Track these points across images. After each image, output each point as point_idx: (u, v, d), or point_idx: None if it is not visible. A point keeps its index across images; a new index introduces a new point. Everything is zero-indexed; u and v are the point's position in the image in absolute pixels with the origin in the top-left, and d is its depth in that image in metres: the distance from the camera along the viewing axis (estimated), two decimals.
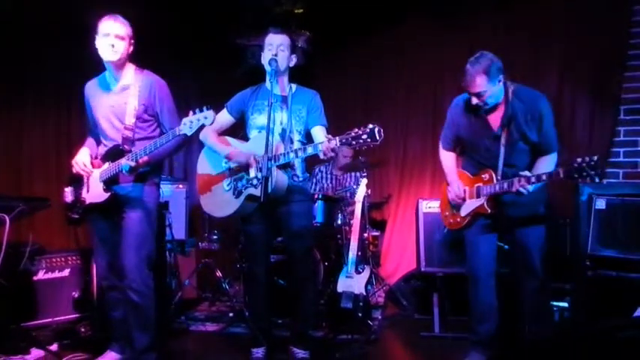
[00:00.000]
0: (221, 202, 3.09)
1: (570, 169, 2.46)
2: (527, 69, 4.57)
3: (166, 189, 4.68)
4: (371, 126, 2.47)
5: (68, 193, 3.05)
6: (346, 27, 5.51)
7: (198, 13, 5.16)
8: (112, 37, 2.84)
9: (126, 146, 2.88)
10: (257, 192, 2.88)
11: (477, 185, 2.92)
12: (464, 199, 2.97)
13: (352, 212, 4.18)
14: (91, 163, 2.98)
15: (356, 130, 2.51)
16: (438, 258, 3.79)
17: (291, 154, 2.79)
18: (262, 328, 3.16)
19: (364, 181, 4.21)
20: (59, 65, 4.37)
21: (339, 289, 3.85)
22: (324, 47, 5.52)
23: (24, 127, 4.41)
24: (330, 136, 2.63)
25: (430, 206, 3.84)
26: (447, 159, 3.14)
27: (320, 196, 4.49)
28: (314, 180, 5.33)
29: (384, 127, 5.71)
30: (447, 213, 3.10)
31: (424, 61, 5.29)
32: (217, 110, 3.26)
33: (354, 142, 2.50)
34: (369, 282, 3.99)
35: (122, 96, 2.94)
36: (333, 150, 2.57)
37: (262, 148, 2.79)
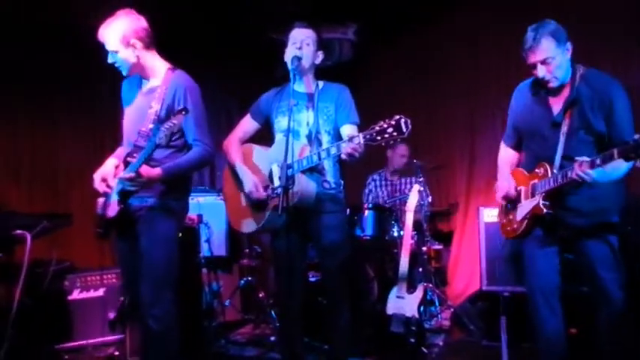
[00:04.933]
0: (247, 217, 3.10)
1: (626, 148, 2.23)
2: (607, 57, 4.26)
3: (205, 201, 4.78)
4: (397, 117, 2.43)
5: (99, 205, 3.05)
6: (403, 14, 5.42)
7: (232, 9, 5.28)
8: (110, 55, 2.88)
9: (135, 155, 2.85)
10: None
11: (532, 183, 2.74)
12: (516, 200, 2.80)
13: None
14: (115, 174, 2.97)
15: (380, 123, 2.46)
16: (503, 274, 3.61)
17: (314, 157, 2.77)
18: (295, 354, 3.13)
19: (416, 188, 4.09)
20: (90, 70, 4.60)
21: (389, 311, 3.77)
22: (376, 39, 5.47)
23: (58, 138, 4.71)
24: (352, 133, 2.57)
25: (492, 214, 3.68)
26: (503, 154, 3.00)
27: (370, 206, 4.43)
28: (366, 190, 5.31)
29: (449, 124, 5.63)
30: (503, 219, 2.94)
31: (496, 51, 5.08)
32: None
33: (379, 138, 2.46)
34: (423, 303, 3.87)
35: (148, 98, 2.95)
36: (355, 149, 2.52)
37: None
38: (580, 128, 2.61)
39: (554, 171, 2.63)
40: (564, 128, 2.63)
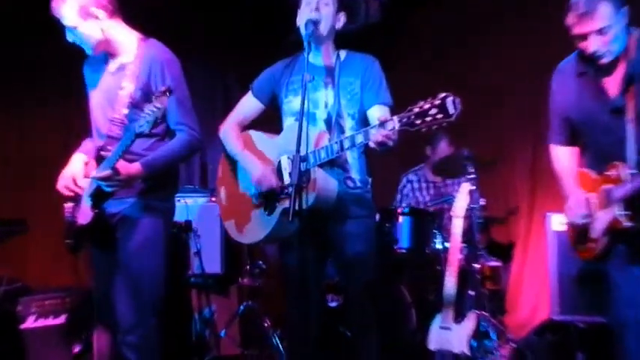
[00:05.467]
0: (249, 222, 3.15)
1: None
2: None
3: (194, 203, 4.85)
4: (442, 95, 2.43)
5: (68, 211, 3.17)
6: None
7: None
8: (68, 32, 2.98)
9: (109, 147, 2.95)
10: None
11: (604, 188, 2.75)
12: (590, 215, 2.81)
13: None
14: (85, 174, 3.09)
15: (421, 103, 2.47)
16: (578, 300, 3.62)
17: (335, 147, 2.80)
18: None
19: (466, 187, 4.10)
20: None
21: (432, 345, 3.81)
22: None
23: (24, 127, 4.79)
24: (384, 116, 2.62)
25: (565, 222, 3.66)
26: (559, 158, 3.00)
27: (406, 210, 4.46)
28: (399, 196, 5.37)
29: (507, 106, 5.60)
30: (576, 238, 2.94)
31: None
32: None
33: (418, 122, 2.47)
34: (475, 336, 3.89)
35: (117, 78, 3.06)
36: (387, 137, 2.55)
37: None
38: None
39: (631, 171, 2.63)
40: (629, 114, 2.62)
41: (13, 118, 4.96)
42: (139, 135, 2.76)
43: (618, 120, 2.67)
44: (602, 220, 2.75)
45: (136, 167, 2.87)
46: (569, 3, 2.64)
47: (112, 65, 3.11)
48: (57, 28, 2.98)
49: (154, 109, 2.68)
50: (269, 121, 3.34)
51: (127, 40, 3.09)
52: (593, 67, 2.72)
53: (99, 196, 2.95)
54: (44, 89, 5.00)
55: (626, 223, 2.64)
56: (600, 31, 2.58)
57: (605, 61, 2.65)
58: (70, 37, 3.01)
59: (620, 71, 2.68)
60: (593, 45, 2.61)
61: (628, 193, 2.63)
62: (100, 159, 2.98)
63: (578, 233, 2.91)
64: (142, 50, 3.05)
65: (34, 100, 4.94)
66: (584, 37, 2.62)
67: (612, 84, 2.70)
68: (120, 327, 2.97)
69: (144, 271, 2.98)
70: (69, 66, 4.65)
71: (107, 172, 2.80)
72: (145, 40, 3.10)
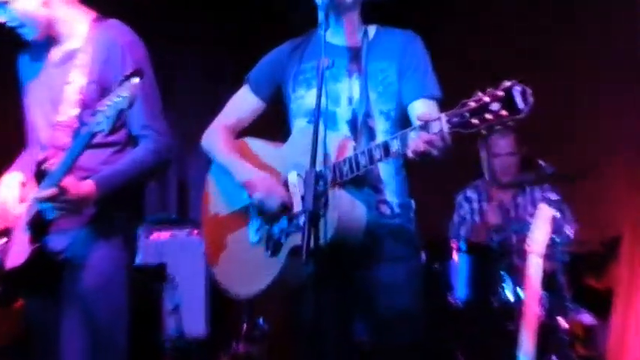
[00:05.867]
0: (246, 267, 3.14)
1: None
2: None
3: (171, 239, 4.87)
4: (508, 84, 2.40)
5: None
6: None
7: None
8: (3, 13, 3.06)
9: (53, 159, 2.98)
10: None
11: None
12: None
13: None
14: (21, 199, 3.17)
15: (478, 95, 2.45)
16: None
17: (362, 158, 2.78)
18: None
19: (546, 211, 4.07)
20: None
21: None
22: None
23: None
24: (430, 114, 2.62)
25: None
26: None
27: (461, 246, 4.46)
28: (456, 218, 5.41)
29: (598, 100, 5.62)
30: None
31: None
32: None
33: (475, 121, 2.45)
34: None
35: (64, 70, 3.15)
36: (431, 143, 2.53)
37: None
38: None
39: None
40: None
41: None
42: (94, 135, 2.79)
43: None
44: None
45: (88, 185, 2.93)
46: None
47: (56, 53, 3.20)
48: None
49: (117, 99, 2.71)
50: (270, 123, 3.35)
51: (76, 21, 3.18)
52: None
53: (39, 226, 3.00)
54: None
55: None
56: None
57: None
58: (1, 18, 3.07)
59: None
60: None
61: None
62: (40, 176, 3.01)
63: None
64: (96, 33, 3.14)
65: None
66: None
67: None
68: None
69: (100, 324, 3.06)
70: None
71: (51, 191, 2.83)
72: (100, 20, 3.18)
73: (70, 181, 2.86)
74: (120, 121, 2.86)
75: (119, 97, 2.71)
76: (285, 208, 2.98)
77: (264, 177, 3.09)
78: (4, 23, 3.08)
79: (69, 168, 2.85)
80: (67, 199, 2.85)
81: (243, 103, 3.32)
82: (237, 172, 3.18)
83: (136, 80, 2.72)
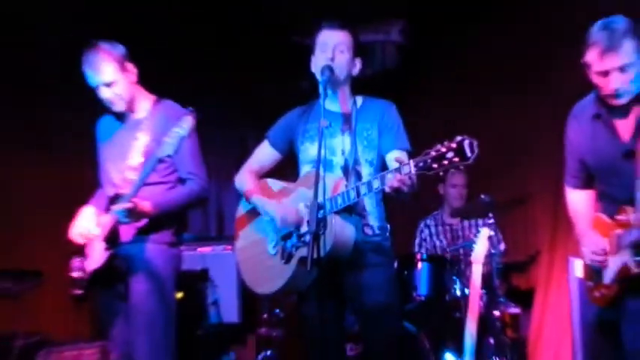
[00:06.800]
0: (266, 272, 3.09)
1: None
2: None
3: (212, 252, 4.85)
4: (459, 138, 2.41)
5: (75, 266, 3.28)
6: (463, 7, 5.44)
7: (243, 9, 5.38)
8: (102, 88, 3.15)
9: (124, 190, 3.05)
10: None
11: (614, 233, 2.67)
12: (604, 259, 2.72)
13: None
14: (97, 224, 3.20)
15: (437, 147, 2.44)
16: (604, 349, 3.48)
17: (352, 193, 2.77)
18: None
19: (485, 232, 4.05)
20: (71, 99, 4.77)
21: None
22: (429, 40, 5.49)
23: (23, 181, 4.79)
24: (401, 159, 2.60)
25: None
26: (574, 201, 2.96)
27: (424, 256, 4.42)
28: (417, 240, 5.34)
29: (525, 149, 5.51)
30: (590, 282, 2.86)
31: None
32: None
33: (435, 165, 2.44)
34: None
35: (132, 132, 3.22)
36: (402, 182, 2.52)
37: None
38: None
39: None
40: None
41: (13, 168, 4.98)
42: (161, 161, 2.92)
43: (630, 164, 2.62)
44: (613, 265, 2.69)
45: (147, 205, 3.03)
46: (589, 40, 2.58)
47: (129, 121, 3.29)
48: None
49: (179, 130, 2.81)
50: (284, 167, 3.34)
51: (143, 100, 3.28)
52: (607, 109, 2.67)
53: (112, 239, 3.12)
54: (45, 148, 5.05)
55: (636, 270, 2.56)
56: (622, 68, 2.53)
57: (622, 101, 2.61)
58: (104, 94, 3.15)
59: (633, 115, 2.64)
60: (614, 82, 2.55)
61: (636, 239, 2.55)
62: (115, 200, 3.09)
63: (593, 277, 2.84)
64: (157, 108, 3.25)
65: (33, 145, 5.00)
66: (605, 73, 2.56)
67: (625, 128, 2.66)
68: None
69: (154, 311, 3.10)
70: (73, 128, 4.83)
71: (128, 204, 2.94)
72: (160, 100, 3.30)
73: (136, 199, 2.97)
74: (183, 153, 2.99)
75: (181, 128, 2.81)
76: (297, 227, 2.95)
77: (280, 206, 3.06)
78: (107, 98, 3.16)
79: (139, 188, 2.96)
80: (134, 211, 2.95)
81: (264, 154, 3.29)
82: (260, 204, 3.14)
83: (190, 116, 2.82)
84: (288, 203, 3.06)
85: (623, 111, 2.64)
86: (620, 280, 2.65)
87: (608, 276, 2.71)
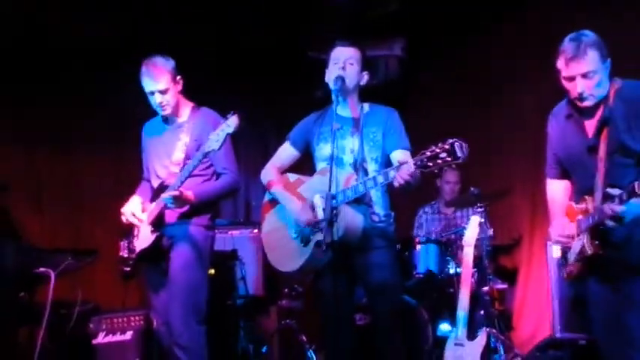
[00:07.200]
0: (288, 253, 3.12)
1: None
2: None
3: (239, 235, 4.86)
4: (451, 140, 2.46)
5: (123, 247, 3.37)
6: (456, 23, 5.42)
7: (267, 28, 5.39)
8: (156, 95, 3.20)
9: (169, 181, 3.15)
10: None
11: (577, 219, 2.66)
12: (569, 240, 2.72)
13: None
14: (143, 210, 3.28)
15: (432, 147, 2.49)
16: (578, 319, 3.51)
17: (360, 187, 2.80)
18: None
19: (475, 219, 4.06)
20: (113, 105, 4.84)
21: None
22: (427, 54, 5.47)
23: (82, 174, 4.88)
24: (403, 158, 2.64)
25: None
26: (551, 190, 2.92)
27: (422, 240, 4.44)
28: (416, 224, 5.32)
29: (509, 148, 5.50)
30: (562, 259, 2.86)
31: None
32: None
33: (430, 164, 2.49)
34: (487, 351, 3.79)
35: (175, 133, 3.29)
36: (405, 177, 2.57)
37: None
38: (615, 151, 2.52)
39: (597, 204, 2.53)
40: (601, 153, 2.54)
41: (71, 162, 5.10)
42: (207, 155, 2.95)
43: (591, 158, 2.60)
44: (575, 247, 2.66)
45: (190, 194, 3.09)
46: (560, 49, 2.60)
47: (172, 124, 3.35)
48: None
49: (225, 127, 2.84)
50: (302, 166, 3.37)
51: (184, 106, 3.34)
52: (577, 111, 2.66)
53: (158, 222, 3.18)
54: (96, 140, 5.17)
55: (589, 251, 2.55)
56: (586, 75, 2.52)
57: (588, 104, 2.58)
58: (158, 99, 3.21)
59: (598, 115, 2.62)
60: (578, 87, 2.54)
61: (591, 225, 2.54)
62: (161, 190, 3.17)
63: (562, 255, 2.82)
64: (197, 113, 3.31)
65: (89, 140, 5.13)
66: (571, 79, 2.56)
67: (591, 126, 2.64)
68: (172, 332, 3.11)
69: (191, 281, 3.16)
70: (118, 122, 4.91)
71: (175, 192, 3.02)
72: (198, 107, 3.35)
73: (183, 189, 3.05)
74: (220, 150, 2.96)
75: (228, 125, 2.83)
76: (308, 224, 2.99)
77: (298, 203, 3.08)
78: (159, 103, 3.21)
79: (185, 179, 3.04)
80: (179, 198, 3.03)
81: (285, 153, 3.32)
82: (282, 198, 3.18)
83: (236, 116, 2.83)
84: (304, 199, 3.09)
85: (591, 112, 2.62)
86: (580, 260, 2.63)
87: (572, 256, 2.70)
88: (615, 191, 2.37)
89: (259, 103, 5.88)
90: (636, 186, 2.25)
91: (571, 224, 2.70)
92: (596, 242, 2.53)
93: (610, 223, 2.40)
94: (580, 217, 2.64)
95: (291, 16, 5.17)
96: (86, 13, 4.73)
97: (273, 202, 3.27)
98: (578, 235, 2.63)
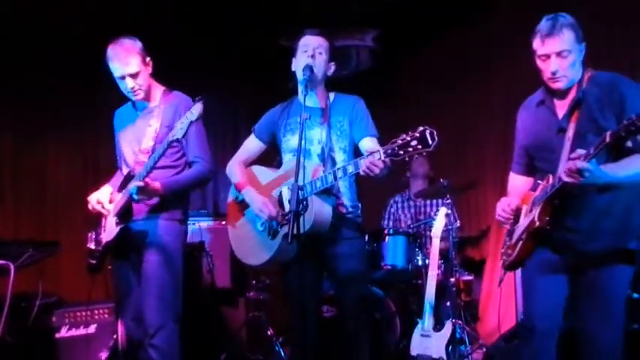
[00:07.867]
0: (255, 246, 3.09)
1: (619, 128, 2.17)
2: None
3: (207, 226, 4.82)
4: (421, 128, 2.45)
5: (90, 239, 3.25)
6: (428, 17, 5.42)
7: (237, 17, 5.32)
8: (127, 79, 3.05)
9: (137, 170, 3.01)
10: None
11: (534, 196, 2.61)
12: (512, 217, 2.69)
13: None
14: (110, 201, 3.16)
15: (403, 136, 2.47)
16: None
17: (329, 177, 2.76)
18: None
19: (443, 211, 4.08)
20: (83, 93, 4.73)
21: (414, 351, 3.76)
22: (399, 45, 5.46)
23: (47, 162, 4.77)
24: (373, 147, 2.61)
25: None
26: (512, 183, 2.92)
27: (391, 231, 4.42)
28: (386, 214, 5.31)
29: (480, 140, 5.54)
30: (503, 248, 2.79)
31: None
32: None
33: (401, 152, 2.47)
34: (452, 342, 3.81)
35: (146, 119, 3.15)
36: (375, 165, 2.54)
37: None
38: (588, 131, 2.50)
39: (559, 174, 2.46)
40: (569, 133, 2.54)
41: (36, 151, 4.98)
42: (170, 144, 2.82)
43: (559, 139, 2.58)
44: (522, 225, 2.62)
45: (157, 185, 2.96)
46: (536, 28, 2.59)
47: (143, 110, 3.20)
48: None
49: (189, 115, 2.71)
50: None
51: (155, 90, 3.19)
52: (550, 95, 2.66)
53: (124, 214, 3.04)
54: (66, 128, 5.05)
55: (537, 223, 2.48)
56: (560, 54, 2.52)
57: (560, 85, 2.57)
58: (129, 84, 3.05)
59: (570, 97, 2.62)
60: (552, 65, 2.54)
61: (545, 196, 2.51)
62: (128, 179, 3.05)
63: (507, 236, 2.76)
64: (166, 98, 3.16)
65: (54, 130, 5.03)
66: (546, 57, 2.55)
67: (563, 108, 2.63)
68: (146, 331, 3.00)
69: (165, 280, 3.03)
70: (87, 111, 4.81)
71: (141, 182, 2.88)
72: (169, 91, 3.21)
73: (148, 179, 2.92)
74: (185, 139, 2.88)
75: (191, 114, 2.71)
76: (273, 218, 2.96)
77: (259, 199, 3.05)
78: (130, 88, 3.06)
79: (151, 169, 2.91)
80: (145, 189, 2.89)
81: (251, 146, 3.28)
82: (244, 194, 3.14)
83: (200, 103, 2.71)
84: (270, 193, 3.05)
85: (563, 95, 2.62)
86: (527, 238, 2.55)
87: (515, 235, 2.64)
88: (581, 151, 2.32)
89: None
90: (607, 136, 2.22)
91: (523, 206, 2.66)
92: (547, 218, 2.49)
93: (569, 179, 2.33)
94: (536, 193, 2.60)
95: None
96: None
97: (238, 197, 3.23)
98: (531, 211, 2.58)
